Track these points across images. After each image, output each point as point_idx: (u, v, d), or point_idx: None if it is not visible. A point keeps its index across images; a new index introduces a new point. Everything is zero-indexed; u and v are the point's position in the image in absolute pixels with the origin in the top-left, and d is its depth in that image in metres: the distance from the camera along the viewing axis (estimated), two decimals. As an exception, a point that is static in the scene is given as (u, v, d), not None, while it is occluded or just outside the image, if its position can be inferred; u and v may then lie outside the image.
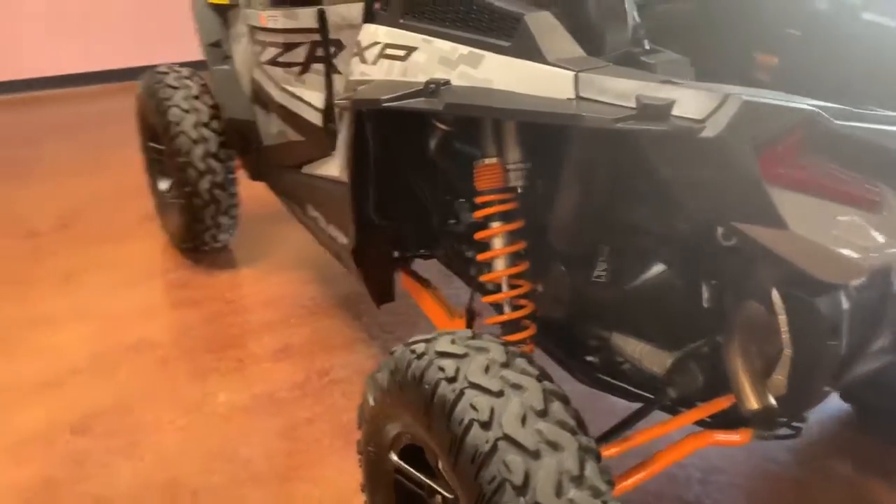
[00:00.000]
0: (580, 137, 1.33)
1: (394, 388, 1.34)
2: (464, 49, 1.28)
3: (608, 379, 1.75)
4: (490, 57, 1.23)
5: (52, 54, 4.85)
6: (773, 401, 1.33)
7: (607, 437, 1.53)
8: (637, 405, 1.62)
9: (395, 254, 2.09)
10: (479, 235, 1.65)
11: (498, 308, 1.68)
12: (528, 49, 1.17)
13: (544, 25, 1.17)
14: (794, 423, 1.60)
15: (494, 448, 1.14)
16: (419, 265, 2.15)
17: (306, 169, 2.08)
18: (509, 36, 1.21)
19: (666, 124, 0.97)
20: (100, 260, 2.96)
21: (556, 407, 1.21)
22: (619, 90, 1.04)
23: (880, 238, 1.07)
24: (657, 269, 1.54)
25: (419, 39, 1.39)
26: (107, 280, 2.82)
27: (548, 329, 1.80)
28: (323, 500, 1.82)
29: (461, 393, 1.20)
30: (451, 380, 1.23)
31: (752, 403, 1.32)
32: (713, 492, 1.92)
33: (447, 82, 1.27)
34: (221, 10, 2.56)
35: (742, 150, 0.95)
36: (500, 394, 1.20)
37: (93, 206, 3.38)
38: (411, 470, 1.41)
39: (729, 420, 1.60)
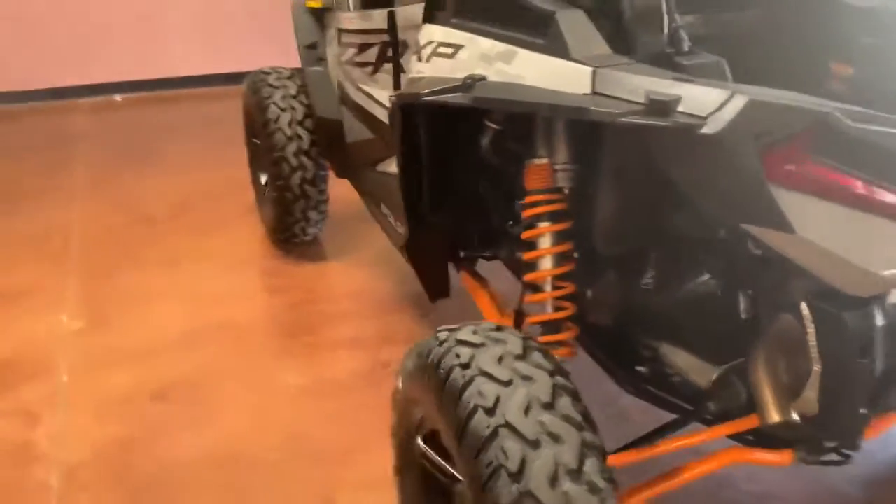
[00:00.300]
0: (619, 138, 1.33)
1: (418, 373, 1.38)
2: (501, 46, 1.32)
3: (654, 390, 1.73)
4: (523, 53, 1.26)
5: (183, 56, 5.25)
6: (795, 416, 1.28)
7: (636, 444, 1.51)
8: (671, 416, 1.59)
9: (461, 253, 2.14)
10: (526, 234, 1.67)
11: (542, 308, 1.69)
12: (557, 46, 1.19)
13: (574, 23, 1.19)
14: (844, 450, 1.53)
15: (495, 434, 1.16)
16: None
17: (380, 167, 2.17)
18: (543, 34, 1.24)
19: (669, 120, 0.97)
20: (203, 247, 3.17)
21: (564, 401, 1.21)
22: (632, 86, 1.05)
23: (905, 249, 1.02)
24: (702, 278, 1.52)
25: (466, 38, 1.44)
26: (206, 265, 3.03)
27: (598, 336, 1.79)
28: (369, 482, 1.88)
29: (471, 379, 1.23)
30: (465, 366, 1.26)
31: (773, 416, 1.28)
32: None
33: (483, 78, 1.31)
34: (318, 14, 2.70)
35: (744, 148, 0.94)
36: (508, 383, 1.22)
37: (204, 197, 3.62)
38: (435, 456, 1.45)
39: (773, 440, 1.54)
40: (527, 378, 1.23)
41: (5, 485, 1.95)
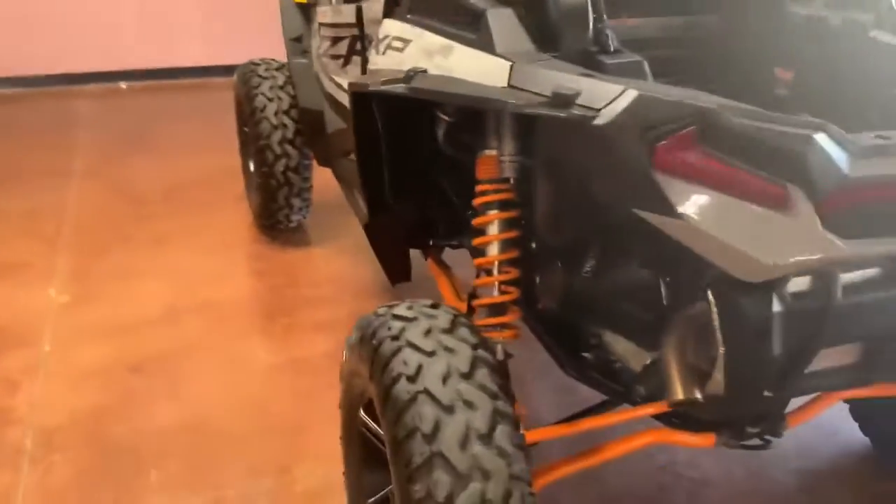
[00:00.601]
0: (549, 131, 1.42)
1: (358, 345, 1.48)
2: (442, 41, 1.41)
3: (598, 376, 1.81)
4: (458, 48, 1.35)
5: (187, 48, 5.37)
6: (699, 395, 1.36)
7: (562, 421, 1.59)
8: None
9: (430, 242, 2.23)
10: (476, 221, 1.75)
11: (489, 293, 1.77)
12: (485, 41, 1.28)
13: (502, 20, 1.28)
14: (766, 436, 1.61)
15: (413, 399, 1.25)
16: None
17: (352, 155, 2.26)
18: (475, 30, 1.33)
19: (567, 111, 1.06)
20: (190, 228, 3.28)
21: (482, 373, 1.31)
22: (542, 81, 1.14)
23: (789, 239, 1.10)
24: (633, 267, 1.60)
25: (415, 33, 1.53)
26: (192, 246, 3.13)
27: (547, 322, 1.87)
28: (324, 454, 1.97)
29: (399, 349, 1.33)
30: (395, 338, 1.36)
31: (678, 394, 1.36)
32: (695, 500, 1.92)
33: (424, 70, 1.40)
34: (304, 8, 2.80)
35: (633, 138, 1.03)
36: (431, 354, 1.31)
37: (196, 183, 3.73)
38: (373, 424, 1.54)
39: (697, 423, 1.62)
40: (449, 350, 1.32)
41: (-18, 443, 2.06)
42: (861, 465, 2.05)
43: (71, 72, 5.36)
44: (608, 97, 1.05)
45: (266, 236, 3.20)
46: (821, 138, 1.07)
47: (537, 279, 1.82)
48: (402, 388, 1.27)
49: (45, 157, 4.04)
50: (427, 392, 1.26)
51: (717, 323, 1.29)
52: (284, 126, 2.87)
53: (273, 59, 3.07)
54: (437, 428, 1.22)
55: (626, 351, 1.67)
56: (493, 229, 1.74)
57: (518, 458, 1.25)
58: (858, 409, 2.10)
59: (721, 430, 1.59)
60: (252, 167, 3.17)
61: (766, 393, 1.34)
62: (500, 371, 1.35)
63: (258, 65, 3.01)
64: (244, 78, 2.99)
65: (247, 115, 2.98)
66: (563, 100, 1.07)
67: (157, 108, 5.00)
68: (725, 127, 1.04)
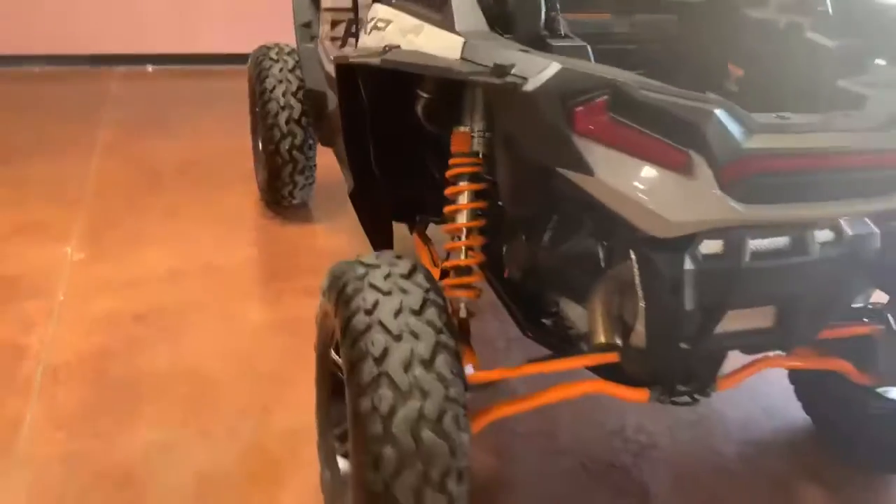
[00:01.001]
0: (501, 104, 1.58)
1: (329, 289, 1.66)
2: (415, 21, 1.59)
3: (556, 342, 1.98)
4: (427, 27, 1.54)
5: (213, 35, 5.60)
6: (618, 341, 1.53)
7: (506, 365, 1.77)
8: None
9: (417, 217, 2.42)
10: (448, 192, 1.94)
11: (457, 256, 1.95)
12: (448, 21, 1.47)
13: (464, 4, 1.47)
14: (695, 395, 1.78)
15: (368, 328, 1.44)
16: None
17: (346, 133, 2.45)
18: (441, 11, 1.51)
19: (502, 80, 1.24)
20: (201, 201, 3.49)
21: (431, 311, 1.49)
22: (487, 55, 1.32)
23: (690, 199, 1.27)
24: (582, 236, 1.77)
25: (395, 14, 1.72)
26: (200, 217, 3.34)
27: (512, 290, 2.04)
28: (302, 401, 2.15)
29: (360, 289, 1.52)
30: (359, 279, 1.54)
31: (600, 338, 1.54)
32: (643, 463, 2.09)
33: (397, 46, 1.59)
34: (314, -5, 3.01)
35: (554, 104, 1.21)
36: (388, 293, 1.50)
37: (211, 161, 3.94)
38: (340, 361, 1.72)
39: (632, 379, 1.78)
40: (404, 291, 1.51)
41: (-1, 373, 2.28)
42: (800, 442, 2.21)
43: (102, 53, 5.61)
44: (537, 69, 1.23)
45: (271, 212, 3.40)
46: (720, 113, 1.25)
47: (504, 249, 2.00)
48: (360, 320, 1.46)
49: (72, 131, 4.28)
50: (380, 323, 1.44)
51: (638, 279, 1.46)
52: (291, 107, 3.07)
53: (286, 45, 3.27)
54: (385, 353, 1.41)
55: (578, 317, 1.84)
56: (463, 199, 1.93)
57: (455, 384, 1.43)
58: (802, 390, 2.26)
59: (654, 387, 1.76)
60: (260, 145, 3.38)
61: (682, 345, 1.52)
62: (448, 312, 1.53)
63: (270, 48, 3.21)
64: (257, 60, 3.20)
65: (257, 96, 3.18)
66: (500, 70, 1.25)
67: (179, 91, 5.24)
68: (634, 98, 1.22)
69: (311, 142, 3.16)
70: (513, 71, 1.25)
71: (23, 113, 4.60)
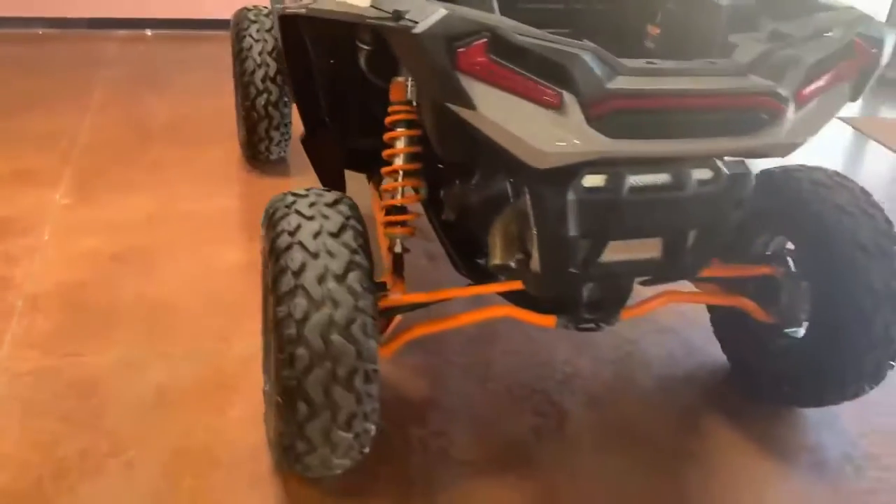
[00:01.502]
0: (399, 48, 1.73)
1: (264, 219, 1.85)
2: (345, -27, 1.77)
3: (488, 281, 2.17)
4: (353, -21, 1.71)
5: (217, 2, 5.76)
6: (512, 263, 1.72)
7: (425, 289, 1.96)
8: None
9: (372, 168, 2.60)
10: (386, 136, 2.12)
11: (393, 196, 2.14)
12: (370, -24, 1.64)
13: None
14: (600, 323, 1.96)
15: (289, 247, 1.64)
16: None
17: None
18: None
19: (396, 23, 1.42)
20: (184, 156, 3.68)
21: (348, 235, 1.68)
22: (390, 3, 1.49)
23: (561, 133, 1.44)
24: (499, 177, 1.95)
25: (332, -29, 1.89)
26: (183, 170, 3.54)
27: (449, 232, 2.22)
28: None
29: (286, 214, 1.71)
30: (287, 207, 1.74)
31: (496, 259, 1.73)
32: (564, 389, 2.28)
33: (330, -1, 1.77)
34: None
35: (440, 46, 1.38)
36: (310, 218, 1.69)
37: (198, 120, 4.14)
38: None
39: (541, 307, 1.97)
40: (325, 216, 1.70)
41: (-17, 301, 2.50)
42: (714, 378, 2.39)
43: (102, 17, 5.80)
44: (427, 14, 1.40)
45: (250, 166, 3.59)
46: (586, 57, 1.42)
47: (441, 193, 2.18)
48: (283, 240, 1.66)
49: (69, 90, 4.48)
50: (300, 243, 1.64)
51: (530, 209, 1.64)
52: (267, 65, 3.25)
53: (264, 6, 3.44)
54: (302, 268, 1.60)
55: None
56: (400, 144, 2.11)
57: (364, 297, 1.62)
58: (720, 331, 2.44)
59: (560, 315, 1.95)
60: (238, 102, 3.56)
61: (572, 270, 1.69)
62: (365, 237, 1.72)
63: (249, 10, 3.38)
64: (236, 21, 3.37)
65: (235, 55, 3.36)
66: (397, 15, 1.43)
67: (175, 54, 5.42)
68: (510, 41, 1.39)
69: (286, 99, 3.34)
70: (406, 16, 1.42)
71: (24, 72, 4.80)
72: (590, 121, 1.44)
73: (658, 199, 1.62)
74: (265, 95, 3.27)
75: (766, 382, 2.22)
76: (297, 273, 1.60)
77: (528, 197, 1.64)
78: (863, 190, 2.04)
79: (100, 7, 5.77)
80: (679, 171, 1.60)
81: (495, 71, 1.40)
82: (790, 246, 2.16)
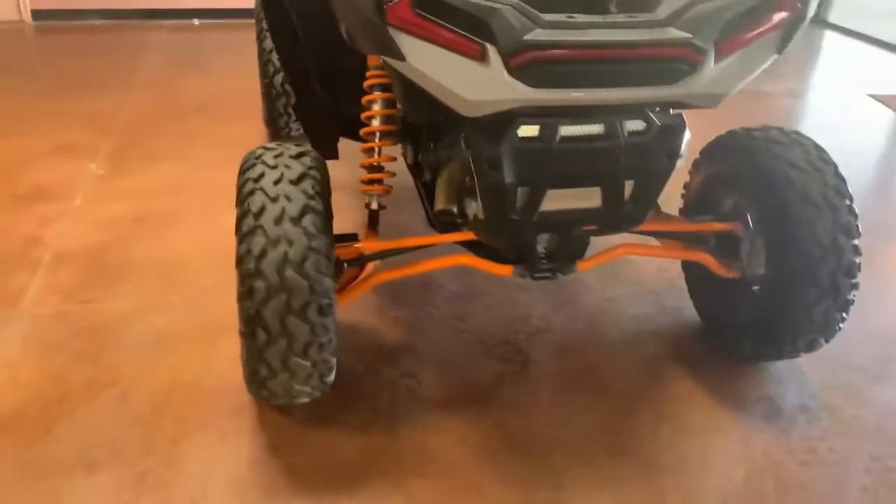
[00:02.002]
0: (337, 5, 1.83)
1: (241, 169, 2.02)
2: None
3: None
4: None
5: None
6: (454, 208, 1.85)
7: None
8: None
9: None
10: (364, 99, 2.27)
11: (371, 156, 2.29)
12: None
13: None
14: (557, 272, 2.08)
15: (252, 192, 1.81)
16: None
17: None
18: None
19: (325, -16, 1.57)
20: (213, 131, 3.93)
21: (306, 183, 1.84)
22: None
23: (485, 83, 1.57)
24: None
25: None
26: (210, 143, 3.78)
27: (427, 190, 2.36)
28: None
29: (253, 164, 1.89)
30: (256, 158, 1.92)
31: (439, 204, 1.86)
32: (534, 340, 2.40)
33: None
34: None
35: (369, 2, 1.52)
36: (273, 167, 1.86)
37: (229, 98, 4.39)
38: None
39: (499, 257, 2.10)
40: (287, 167, 1.87)
41: (16, 254, 2.76)
42: (683, 333, 2.46)
43: (155, 7, 6.15)
44: (359, -25, 1.55)
45: (272, 140, 3.81)
46: (505, 11, 1.54)
47: (419, 155, 2.33)
48: (248, 186, 1.83)
49: (115, 74, 4.80)
50: (261, 189, 1.81)
51: (471, 158, 1.77)
52: (284, 44, 3.45)
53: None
54: (261, 210, 1.78)
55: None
56: (376, 106, 2.26)
57: (319, 238, 1.78)
58: (692, 289, 2.52)
59: (517, 265, 2.07)
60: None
61: (513, 217, 1.81)
62: (323, 186, 1.88)
63: (270, -7, 3.59)
64: (259, 3, 3.58)
65: (257, 34, 3.57)
66: (334, -22, 1.58)
67: (218, 41, 5.71)
68: (434, -2, 1.53)
69: (303, 76, 3.53)
70: (339, -25, 1.58)
71: (77, 59, 5.16)
72: (510, 71, 1.56)
73: (591, 149, 1.72)
74: (282, 73, 3.46)
75: (731, 337, 2.30)
76: (257, 215, 1.77)
77: (469, 148, 1.77)
78: (816, 146, 2.10)
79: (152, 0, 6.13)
80: (611, 121, 1.70)
81: (420, 24, 1.54)
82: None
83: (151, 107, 4.26)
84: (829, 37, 6.81)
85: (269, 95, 3.55)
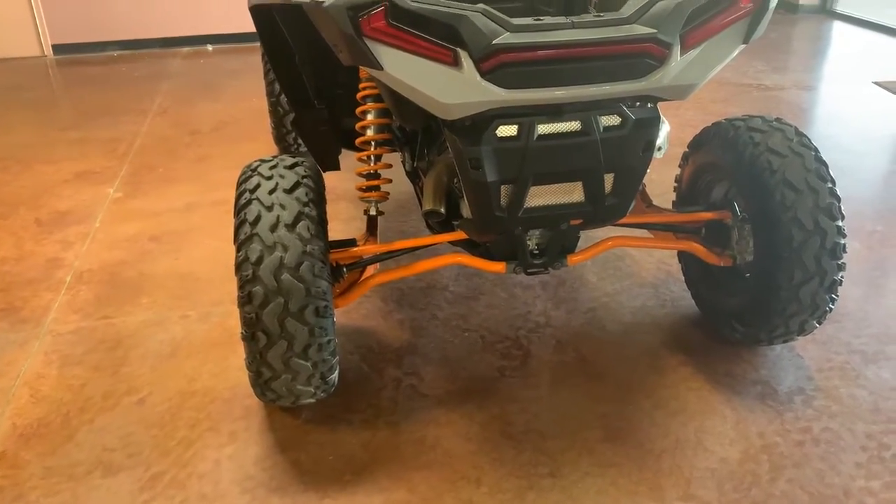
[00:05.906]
0: (317, 22, 1.91)
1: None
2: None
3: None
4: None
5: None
6: (441, 209, 1.93)
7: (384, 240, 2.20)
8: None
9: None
10: (358, 110, 2.37)
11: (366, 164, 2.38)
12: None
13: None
14: (548, 267, 2.15)
15: (248, 203, 1.91)
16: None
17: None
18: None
19: (311, 1, 1.67)
20: (225, 152, 4.06)
21: (300, 191, 1.94)
22: (310, -13, 1.74)
23: (459, 87, 1.65)
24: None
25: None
26: (222, 164, 3.91)
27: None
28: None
29: (250, 176, 1.99)
30: (252, 170, 2.02)
31: (426, 205, 1.94)
32: (533, 336, 2.46)
33: (280, -13, 2.03)
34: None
35: (343, 16, 1.61)
36: (269, 178, 1.96)
37: (241, 120, 4.52)
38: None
39: (492, 254, 2.17)
40: (282, 176, 1.97)
41: (40, 276, 2.89)
42: (680, 324, 2.51)
43: (170, 36, 6.34)
44: (333, -9, 1.65)
45: (283, 158, 3.92)
46: (473, 17, 1.62)
47: (415, 162, 2.42)
48: (245, 197, 1.93)
49: (133, 101, 4.97)
50: (257, 198, 1.91)
51: (455, 159, 1.85)
52: (288, 63, 3.57)
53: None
54: (257, 219, 1.87)
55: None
56: (370, 116, 2.36)
57: (313, 243, 1.87)
58: (689, 280, 2.57)
59: (510, 262, 2.14)
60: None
61: (497, 213, 1.88)
62: (317, 195, 1.97)
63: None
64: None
65: (262, 55, 3.69)
66: (309, -7, 1.68)
67: (230, 65, 5.87)
68: (406, 8, 1.60)
69: (308, 93, 3.64)
70: (317, -4, 1.67)
71: (96, 88, 5.34)
72: (482, 74, 1.64)
73: (569, 145, 1.79)
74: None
75: (725, 323, 2.34)
76: (253, 223, 1.87)
77: (450, 148, 1.84)
78: (797, 132, 2.15)
79: (167, 27, 6.31)
80: (586, 117, 1.77)
81: (394, 34, 1.62)
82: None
83: (167, 131, 4.41)
84: (838, 27, 6.80)
85: (276, 113, 3.66)
